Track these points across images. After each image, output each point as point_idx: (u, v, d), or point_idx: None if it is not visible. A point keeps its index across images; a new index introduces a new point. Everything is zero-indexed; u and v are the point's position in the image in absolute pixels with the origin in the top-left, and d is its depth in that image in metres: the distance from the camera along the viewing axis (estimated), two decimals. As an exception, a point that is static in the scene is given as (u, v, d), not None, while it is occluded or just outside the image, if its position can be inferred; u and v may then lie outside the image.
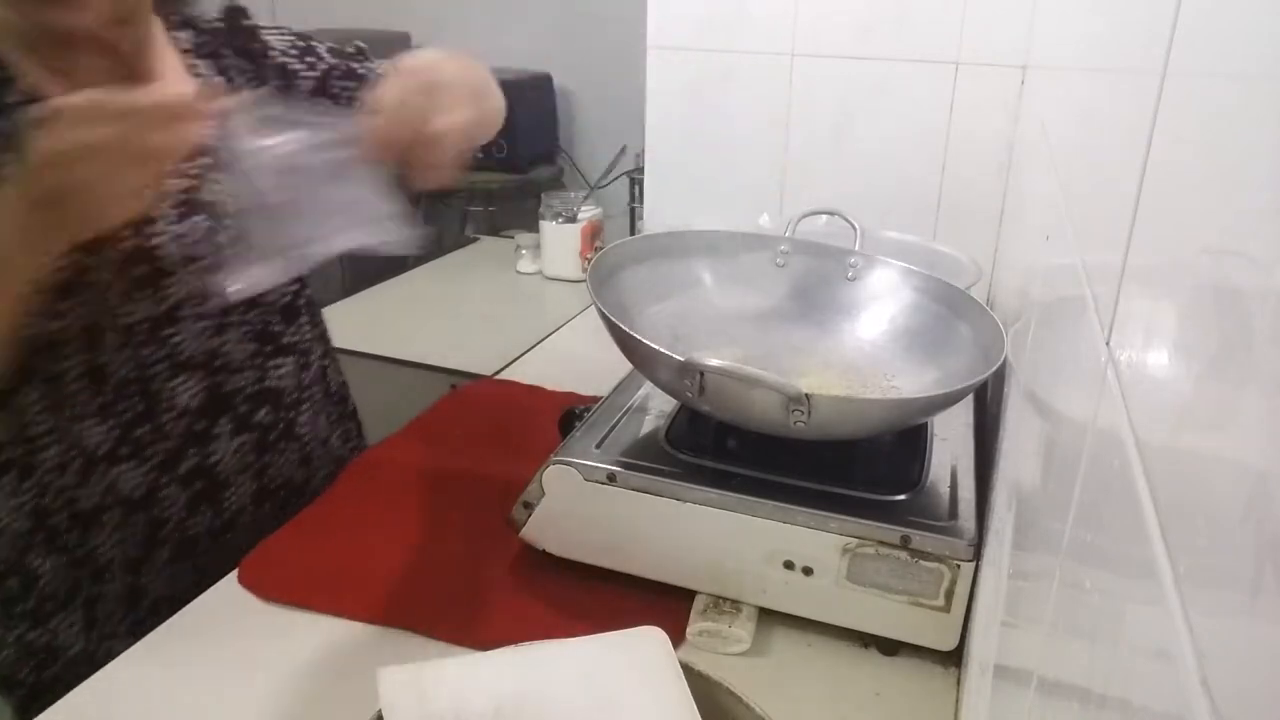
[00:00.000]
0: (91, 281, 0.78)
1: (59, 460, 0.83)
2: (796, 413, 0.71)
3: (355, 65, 0.98)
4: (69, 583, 0.87)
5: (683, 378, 0.74)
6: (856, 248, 1.02)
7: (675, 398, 0.85)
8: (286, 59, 0.93)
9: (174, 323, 0.84)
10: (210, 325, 0.87)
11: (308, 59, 0.95)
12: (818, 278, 1.01)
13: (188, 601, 0.81)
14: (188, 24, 0.89)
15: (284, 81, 0.93)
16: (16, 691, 0.89)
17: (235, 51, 0.90)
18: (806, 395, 0.69)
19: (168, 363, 0.85)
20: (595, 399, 0.93)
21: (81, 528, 0.86)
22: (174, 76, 0.83)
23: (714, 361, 0.72)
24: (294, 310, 0.97)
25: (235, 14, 0.92)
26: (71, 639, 0.88)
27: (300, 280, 0.98)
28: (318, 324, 1.03)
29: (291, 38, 0.96)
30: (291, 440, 0.97)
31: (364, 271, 2.13)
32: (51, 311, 0.76)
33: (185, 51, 0.86)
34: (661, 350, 0.74)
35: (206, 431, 0.89)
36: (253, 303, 0.91)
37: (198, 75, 0.86)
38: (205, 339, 0.87)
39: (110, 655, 0.77)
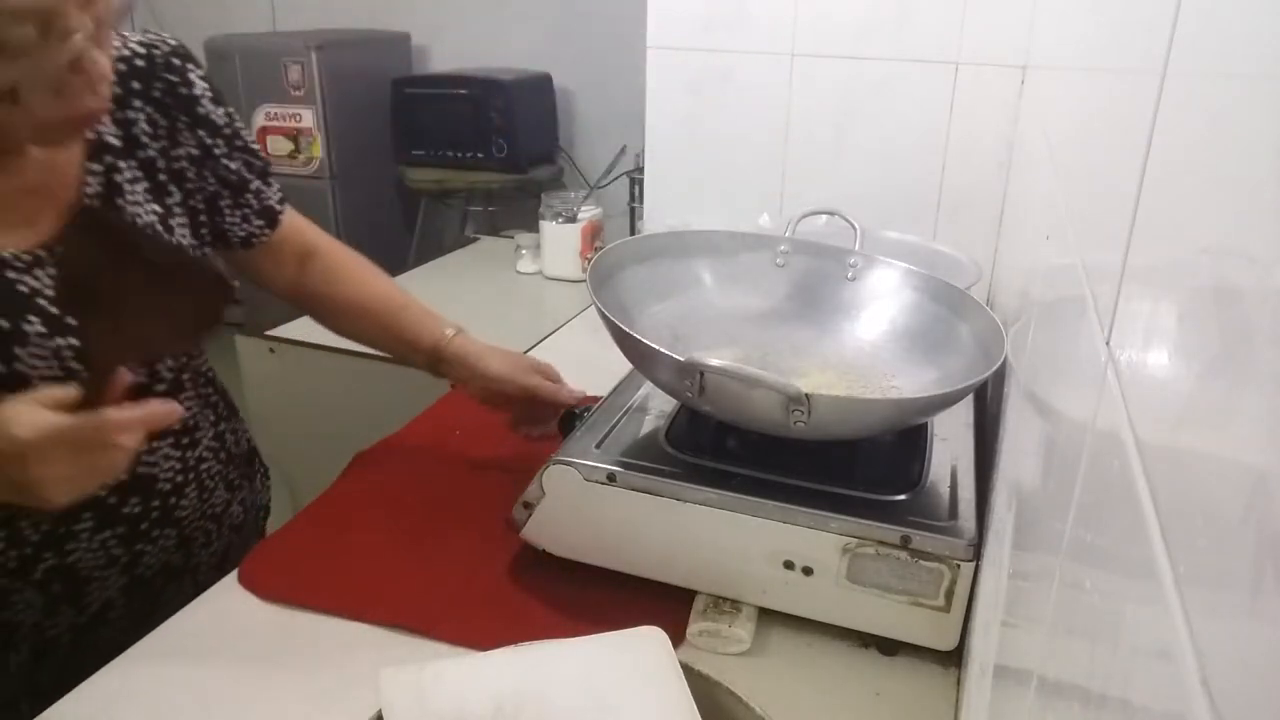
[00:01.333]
0: None
1: None
2: (796, 413, 0.71)
3: (264, 187, 0.91)
4: None
5: (683, 378, 0.74)
6: (857, 248, 1.02)
7: (675, 398, 0.85)
8: (214, 113, 0.85)
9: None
10: None
11: (234, 123, 0.88)
12: (818, 278, 1.01)
13: (52, 701, 0.72)
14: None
15: (202, 144, 0.84)
16: None
17: (154, 101, 0.81)
18: (806, 395, 0.69)
19: None
20: (595, 399, 0.93)
21: None
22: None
23: (714, 361, 0.72)
24: (178, 386, 0.87)
25: (169, 54, 0.82)
26: None
27: (187, 354, 0.88)
28: (208, 393, 0.93)
29: (211, 90, 0.86)
30: (169, 526, 0.86)
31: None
32: None
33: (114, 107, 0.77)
34: (661, 350, 0.74)
35: (66, 530, 0.79)
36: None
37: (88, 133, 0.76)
38: None
39: None
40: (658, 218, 1.49)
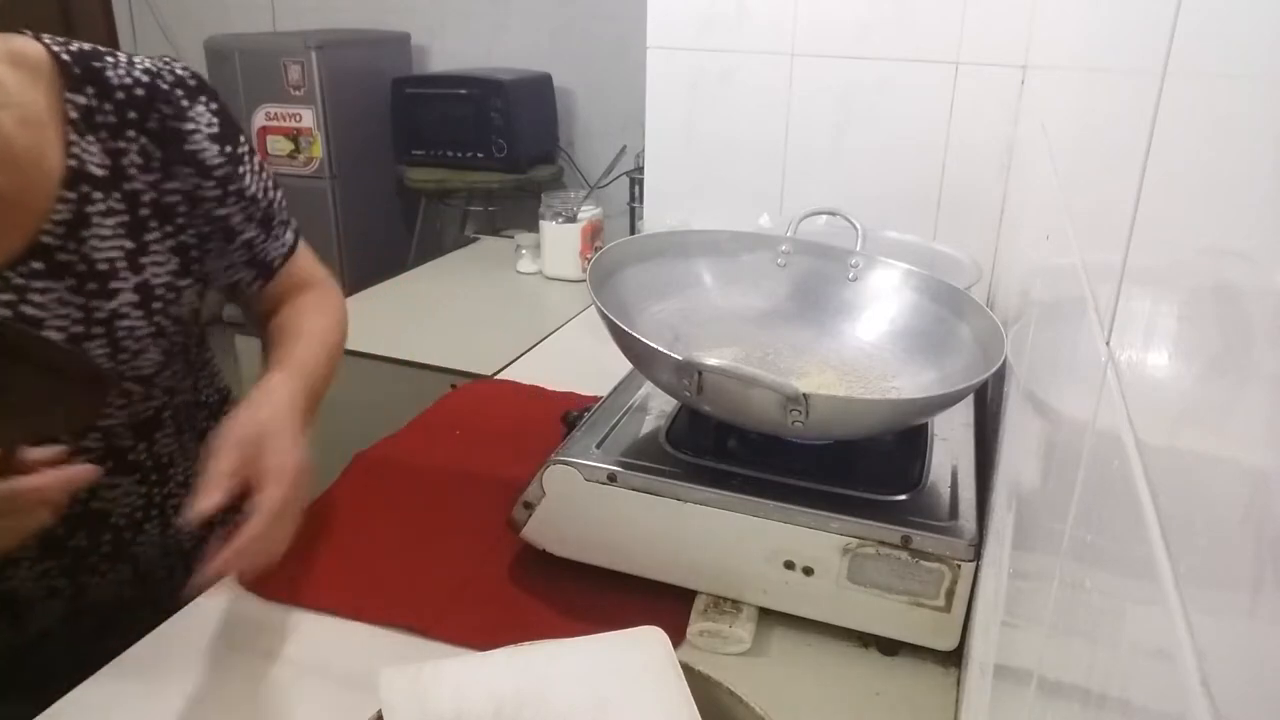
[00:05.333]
0: None
1: None
2: (794, 413, 0.71)
3: (261, 238, 0.87)
4: None
5: (681, 377, 0.74)
6: (858, 248, 1.02)
7: (674, 397, 0.85)
8: (208, 152, 0.80)
9: None
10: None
11: (235, 167, 0.82)
12: (819, 278, 1.01)
13: None
14: (93, 79, 0.75)
15: (191, 182, 0.80)
16: None
17: (150, 131, 0.77)
18: (804, 395, 0.69)
19: None
20: (595, 399, 0.93)
21: None
22: (46, 155, 0.72)
23: (712, 361, 0.72)
24: (155, 424, 0.84)
25: (173, 84, 0.79)
26: None
27: (171, 392, 0.85)
28: (205, 427, 0.91)
29: (218, 126, 0.81)
30: (121, 562, 0.84)
31: (364, 271, 2.13)
32: None
33: (70, 121, 0.74)
34: (660, 349, 0.74)
35: (4, 558, 0.77)
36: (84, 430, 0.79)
37: (73, 156, 0.73)
38: None
39: None
40: (658, 218, 1.49)
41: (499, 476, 0.95)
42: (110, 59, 0.77)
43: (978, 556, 0.71)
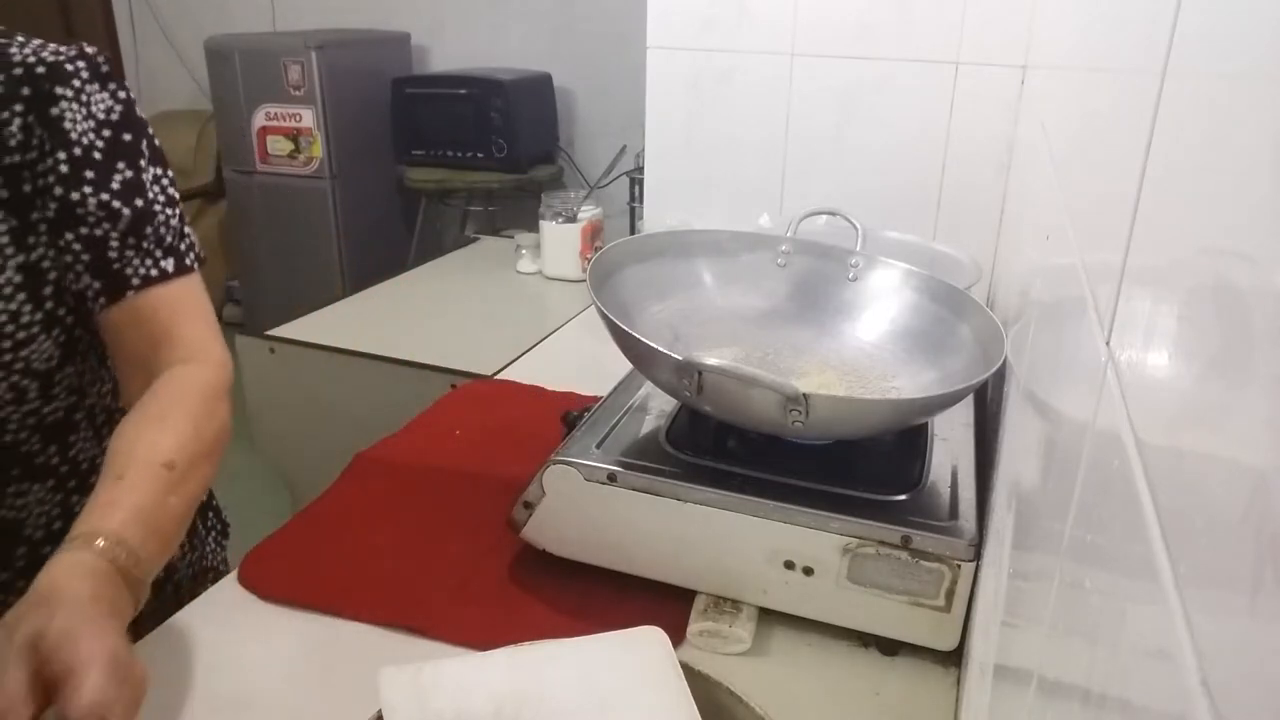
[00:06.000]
0: None
1: None
2: (794, 413, 0.71)
3: (121, 253, 0.74)
4: None
5: (681, 377, 0.74)
6: (859, 248, 1.02)
7: (674, 397, 0.85)
8: (87, 150, 0.73)
9: None
10: None
11: (114, 159, 0.74)
12: (819, 278, 1.01)
13: None
14: None
15: (69, 177, 0.72)
16: None
17: (38, 111, 0.72)
18: (804, 395, 0.69)
19: None
20: (595, 399, 0.93)
21: None
22: None
23: (711, 361, 0.72)
24: (67, 426, 0.78)
25: (77, 69, 0.73)
26: None
27: (81, 393, 0.79)
28: (107, 438, 0.76)
29: (119, 115, 0.75)
30: (35, 572, 0.75)
31: (364, 271, 2.13)
32: None
33: None
34: (660, 349, 0.74)
35: None
36: None
37: None
38: None
39: None
40: (658, 218, 1.49)
41: (499, 476, 0.95)
42: (19, 39, 0.73)
43: (978, 556, 0.71)
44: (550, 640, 0.58)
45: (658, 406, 0.91)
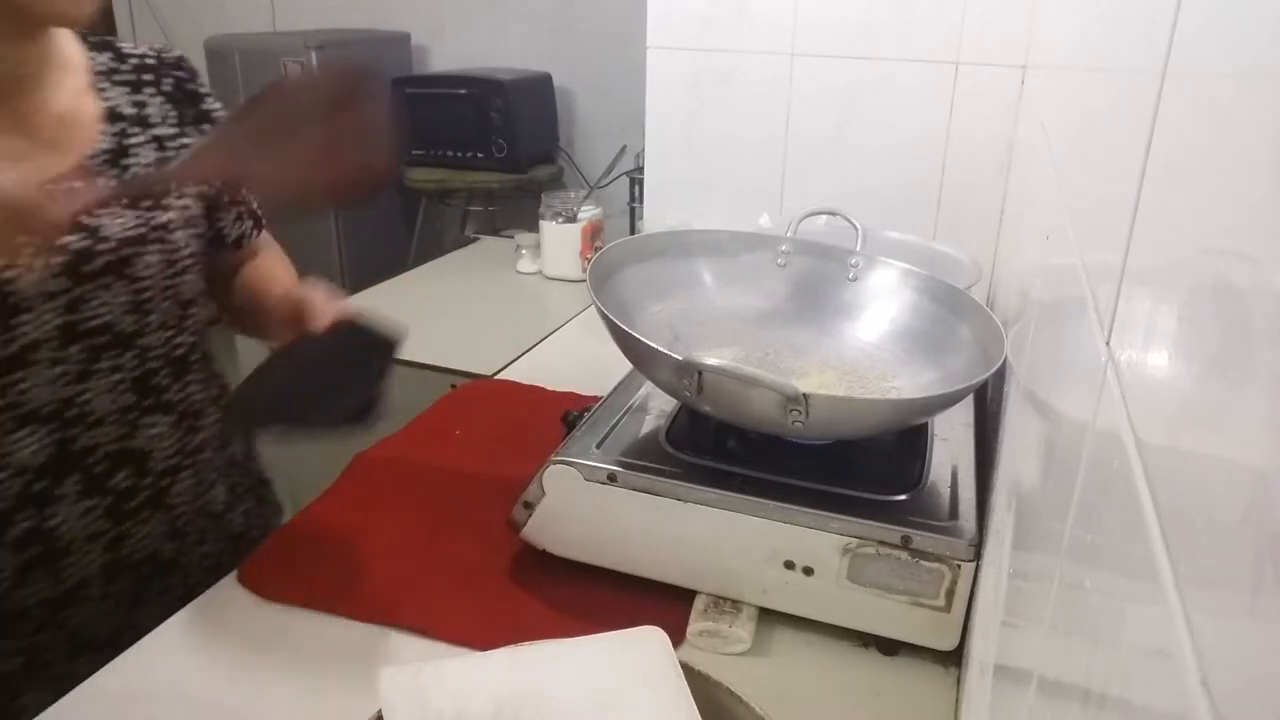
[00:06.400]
0: None
1: None
2: (794, 413, 0.71)
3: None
4: None
5: (681, 377, 0.74)
6: (858, 248, 1.02)
7: (674, 397, 0.85)
8: (216, 114, 0.91)
9: (23, 367, 0.74)
10: (69, 372, 0.77)
11: None
12: (819, 278, 1.01)
13: (20, 684, 0.74)
14: (108, 47, 0.85)
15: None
16: None
17: (165, 94, 0.86)
18: (804, 395, 0.69)
19: (10, 413, 0.74)
20: (595, 399, 0.93)
21: None
22: (71, 95, 0.79)
23: (711, 361, 0.72)
24: (188, 364, 0.87)
25: (175, 63, 0.89)
26: None
27: (196, 332, 0.88)
28: (213, 385, 0.92)
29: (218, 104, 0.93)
30: (159, 509, 0.85)
31: (364, 271, 2.13)
32: None
33: (99, 74, 0.82)
34: (660, 349, 0.74)
35: (48, 492, 0.77)
36: (128, 347, 0.80)
37: (105, 100, 0.81)
38: (59, 386, 0.76)
39: None
40: (658, 218, 1.49)
41: (499, 476, 0.95)
42: (116, 41, 0.87)
43: (978, 556, 0.71)
44: (550, 640, 0.58)
45: (658, 406, 0.91)
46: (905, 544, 0.72)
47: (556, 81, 2.89)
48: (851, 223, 1.07)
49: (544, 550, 0.83)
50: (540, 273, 1.82)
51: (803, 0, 1.32)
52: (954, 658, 0.75)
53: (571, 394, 1.16)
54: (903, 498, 0.77)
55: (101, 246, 0.76)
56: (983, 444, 0.88)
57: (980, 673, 0.62)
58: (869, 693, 0.73)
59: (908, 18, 1.28)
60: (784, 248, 1.02)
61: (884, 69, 1.31)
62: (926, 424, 0.88)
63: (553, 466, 0.79)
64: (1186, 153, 0.30)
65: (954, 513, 0.75)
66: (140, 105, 0.84)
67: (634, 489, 0.78)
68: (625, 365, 0.89)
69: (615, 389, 0.95)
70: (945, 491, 0.79)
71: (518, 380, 1.25)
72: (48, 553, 0.78)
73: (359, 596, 0.80)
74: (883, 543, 0.72)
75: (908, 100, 1.32)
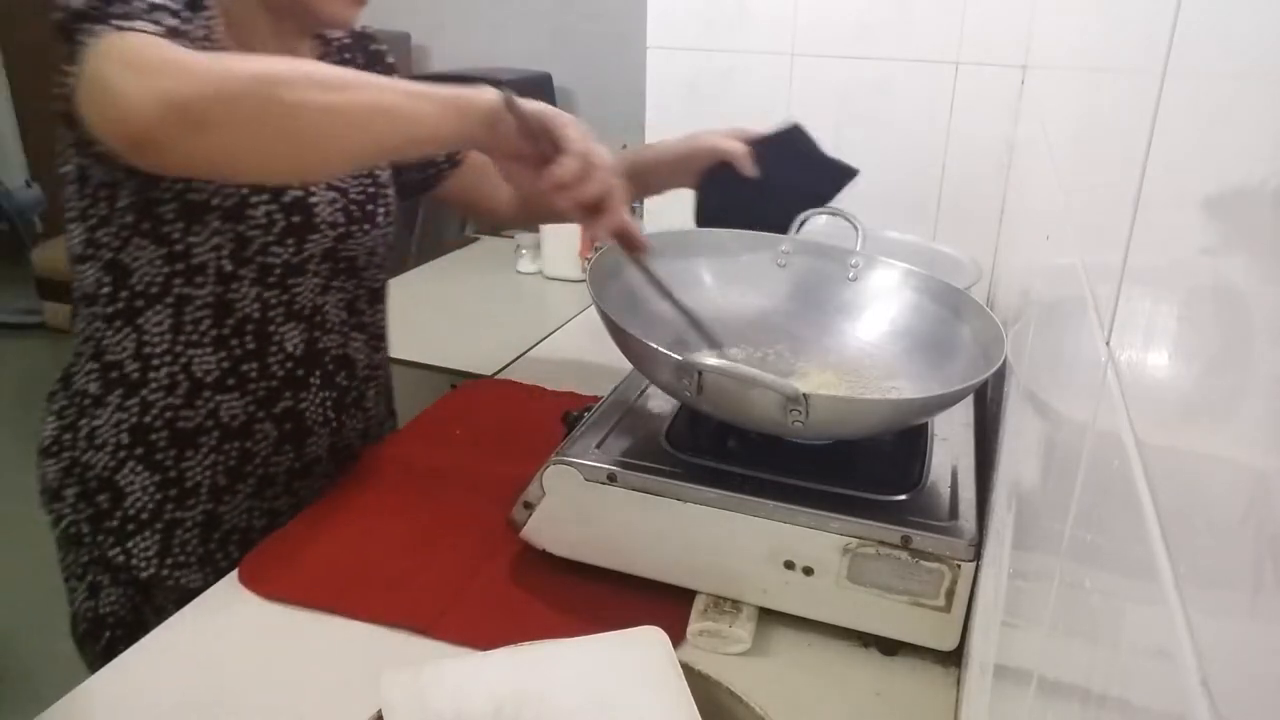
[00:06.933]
0: (248, 214, 0.86)
1: (168, 381, 0.90)
2: (794, 413, 0.71)
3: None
4: (153, 503, 0.93)
5: (681, 377, 0.74)
6: (859, 248, 1.02)
7: (674, 397, 0.85)
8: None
9: (300, 274, 0.92)
10: (320, 283, 0.95)
11: None
12: (819, 278, 1.01)
13: (255, 539, 0.90)
14: (319, 37, 1.00)
15: None
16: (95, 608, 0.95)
17: (359, 66, 1.01)
18: (804, 395, 0.69)
19: (284, 309, 0.93)
20: (595, 399, 0.93)
21: (178, 448, 0.92)
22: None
23: (711, 361, 0.72)
24: (378, 295, 1.06)
25: (362, 34, 1.06)
26: (145, 562, 0.93)
27: (386, 271, 1.07)
28: (385, 320, 1.11)
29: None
30: (360, 410, 1.04)
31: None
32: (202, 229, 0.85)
33: (320, 58, 0.99)
34: (660, 350, 0.74)
35: (303, 380, 0.96)
36: (352, 273, 0.99)
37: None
38: (315, 294, 0.95)
39: (177, 585, 0.92)
40: (658, 218, 1.49)
41: (499, 476, 0.95)
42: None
43: (978, 556, 0.71)
44: (550, 640, 0.58)
45: (658, 406, 0.91)
46: (905, 544, 0.72)
47: (556, 81, 2.89)
48: (852, 222, 1.07)
49: (544, 550, 0.83)
50: (540, 273, 1.82)
51: (803, 0, 1.32)
52: (954, 658, 0.75)
53: (571, 394, 1.16)
54: (903, 498, 0.77)
55: (348, 201, 0.95)
56: (983, 444, 0.88)
57: (980, 673, 0.62)
58: (869, 693, 0.73)
59: (908, 18, 1.28)
60: (784, 247, 1.02)
61: (884, 69, 1.31)
62: (926, 424, 0.88)
63: (553, 466, 0.79)
64: (1186, 153, 0.30)
65: (954, 513, 0.75)
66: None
67: (634, 489, 0.78)
68: (625, 365, 0.89)
69: (615, 389, 0.95)
70: (945, 491, 0.79)
71: (518, 380, 1.25)
72: (296, 430, 0.97)
73: (359, 596, 0.80)
74: (883, 543, 0.72)
75: (908, 100, 1.32)
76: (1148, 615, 0.25)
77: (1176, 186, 0.31)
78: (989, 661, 0.58)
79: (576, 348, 1.43)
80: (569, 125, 0.78)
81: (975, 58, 1.27)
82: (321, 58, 0.99)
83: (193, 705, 0.70)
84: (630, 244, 0.86)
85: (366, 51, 1.05)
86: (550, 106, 0.79)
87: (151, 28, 0.69)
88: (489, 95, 0.76)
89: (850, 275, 1.00)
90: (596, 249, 0.94)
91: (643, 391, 0.94)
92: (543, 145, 0.78)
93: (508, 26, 2.99)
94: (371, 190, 1.00)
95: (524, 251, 1.84)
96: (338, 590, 0.81)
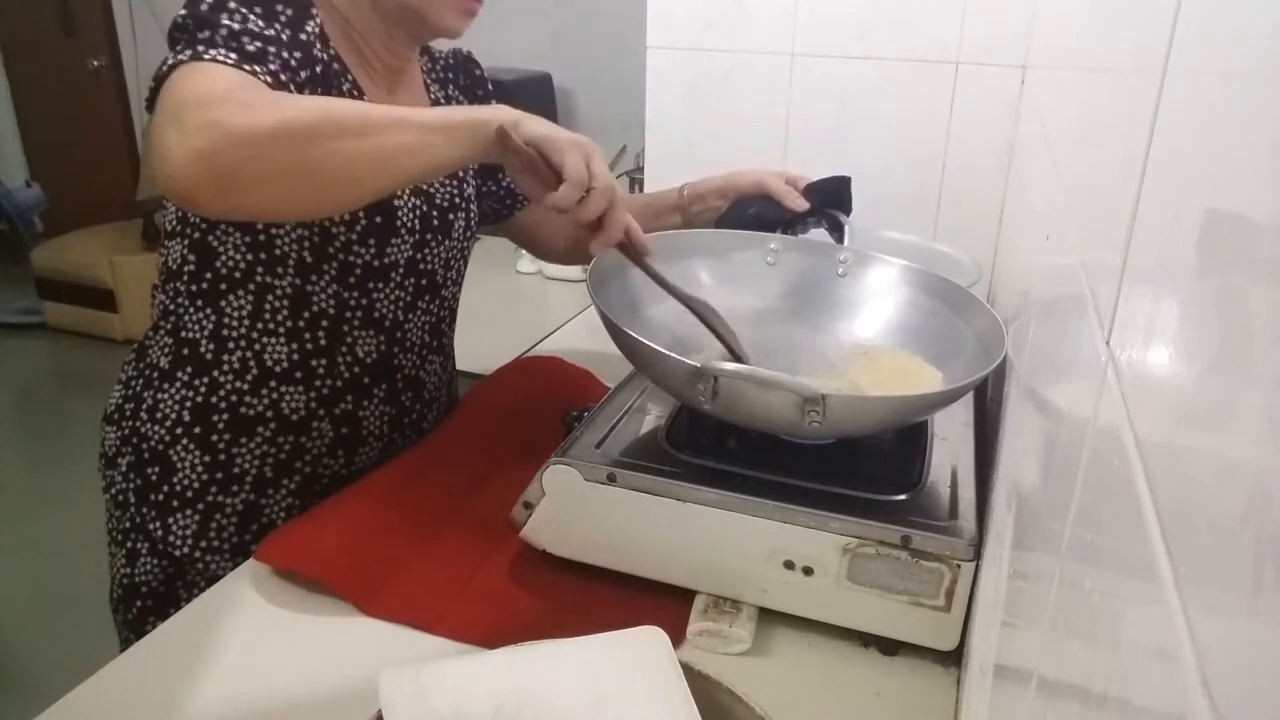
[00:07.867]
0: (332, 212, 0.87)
1: (239, 366, 0.92)
2: (812, 414, 0.70)
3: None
4: (199, 484, 0.94)
5: (695, 383, 0.73)
6: (846, 243, 1.02)
7: (683, 401, 0.85)
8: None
9: (382, 279, 0.94)
10: (403, 300, 0.97)
11: None
12: (811, 275, 1.01)
13: None
14: (425, 51, 1.05)
15: None
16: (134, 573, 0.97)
17: (460, 86, 1.08)
18: (823, 396, 0.69)
19: (362, 314, 0.94)
20: (595, 399, 0.93)
21: (234, 434, 0.94)
22: (420, 89, 1.02)
23: (730, 366, 0.72)
24: (454, 316, 1.08)
25: (466, 58, 1.11)
26: (181, 541, 0.95)
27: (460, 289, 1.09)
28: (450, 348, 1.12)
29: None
30: (416, 432, 1.05)
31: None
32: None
33: (425, 71, 1.04)
34: (674, 356, 0.74)
35: (368, 388, 0.97)
36: (436, 294, 1.01)
37: (430, 95, 1.04)
38: (396, 308, 0.97)
39: (206, 570, 0.94)
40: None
41: (499, 476, 0.95)
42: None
43: (978, 556, 0.71)
44: (550, 640, 0.58)
45: (658, 406, 0.91)
46: (905, 544, 0.72)
47: (556, 81, 2.89)
48: (837, 218, 1.07)
49: (544, 550, 0.83)
50: (540, 273, 1.82)
51: (803, 0, 1.32)
52: (954, 658, 0.75)
53: (571, 393, 1.16)
54: (902, 497, 0.77)
55: (430, 207, 0.97)
56: (983, 444, 0.88)
57: (980, 673, 0.62)
58: (869, 693, 0.73)
59: (908, 18, 1.28)
60: (772, 245, 1.02)
61: (884, 69, 1.31)
62: (926, 423, 0.88)
63: (553, 466, 0.79)
64: (1186, 152, 0.30)
65: (954, 512, 0.75)
66: (448, 98, 1.06)
67: (634, 489, 0.78)
68: (625, 365, 0.89)
69: (615, 389, 0.95)
70: (945, 491, 0.79)
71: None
72: (351, 436, 0.98)
73: (359, 595, 0.80)
74: (883, 543, 0.72)
75: (908, 100, 1.32)
76: (1148, 615, 0.25)
77: (1176, 186, 0.31)
78: (989, 661, 0.58)
79: (576, 348, 1.43)
80: (567, 152, 0.78)
81: (975, 58, 1.27)
82: (427, 73, 1.04)
83: (193, 704, 0.70)
84: (633, 250, 0.87)
85: (471, 75, 1.10)
86: (553, 128, 0.80)
87: (224, 56, 0.73)
88: (500, 117, 0.78)
89: (840, 271, 1.00)
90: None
91: (643, 391, 0.94)
92: (542, 174, 0.79)
93: (508, 26, 2.99)
94: (457, 200, 1.01)
95: (524, 252, 1.84)
96: (338, 589, 0.81)
